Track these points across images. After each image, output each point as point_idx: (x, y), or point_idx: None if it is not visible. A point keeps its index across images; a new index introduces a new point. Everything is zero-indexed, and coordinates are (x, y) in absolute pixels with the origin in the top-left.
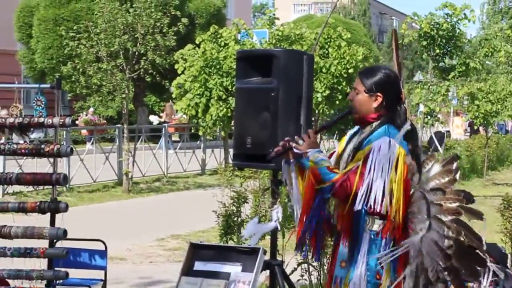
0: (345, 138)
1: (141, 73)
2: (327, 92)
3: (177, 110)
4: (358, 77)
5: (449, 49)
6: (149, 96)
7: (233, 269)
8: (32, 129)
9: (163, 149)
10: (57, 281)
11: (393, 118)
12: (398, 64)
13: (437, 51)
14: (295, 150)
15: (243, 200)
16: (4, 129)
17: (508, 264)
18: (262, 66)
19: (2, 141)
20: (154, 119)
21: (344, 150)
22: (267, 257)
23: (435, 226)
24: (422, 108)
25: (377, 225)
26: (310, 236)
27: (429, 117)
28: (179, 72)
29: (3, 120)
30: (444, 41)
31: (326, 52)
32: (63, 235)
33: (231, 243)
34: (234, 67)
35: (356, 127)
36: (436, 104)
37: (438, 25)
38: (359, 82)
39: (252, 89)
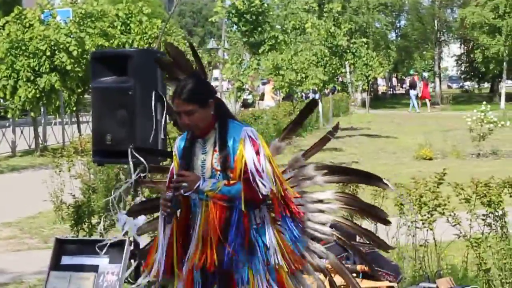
0: (176, 153)
1: None
2: None
3: None
4: (180, 101)
5: (258, 24)
6: None
7: (101, 261)
8: None
9: None
10: None
11: (225, 110)
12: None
13: (247, 27)
14: (187, 194)
15: (92, 190)
16: None
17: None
18: (117, 66)
19: None
20: None
21: (187, 162)
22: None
23: None
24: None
25: (258, 218)
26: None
27: (241, 91)
28: None
29: None
30: (254, 17)
31: (129, 28)
32: None
33: (82, 233)
34: (41, 47)
35: (183, 138)
36: (248, 78)
37: (249, 1)
38: (185, 104)
39: (108, 88)
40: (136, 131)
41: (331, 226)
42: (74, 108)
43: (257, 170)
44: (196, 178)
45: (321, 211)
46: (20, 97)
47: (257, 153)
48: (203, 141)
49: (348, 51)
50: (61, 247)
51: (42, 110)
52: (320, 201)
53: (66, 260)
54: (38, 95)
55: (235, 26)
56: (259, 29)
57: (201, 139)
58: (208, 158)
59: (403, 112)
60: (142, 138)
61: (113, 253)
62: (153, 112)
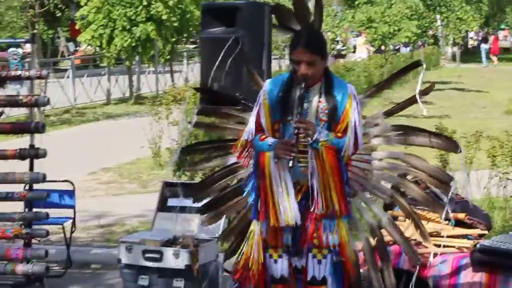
0: (267, 98)
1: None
2: None
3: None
4: (306, 50)
5: None
6: None
7: None
8: (8, 81)
9: (71, 81)
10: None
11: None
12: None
13: None
14: (311, 140)
15: (194, 136)
16: None
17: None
18: (226, 17)
19: None
20: None
21: (284, 109)
22: None
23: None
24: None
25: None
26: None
27: (335, 43)
28: (82, 4)
29: None
30: None
31: None
32: (43, 179)
33: (183, 178)
34: None
35: (277, 85)
36: (342, 30)
37: None
38: (311, 54)
39: (218, 38)
40: (243, 80)
41: (395, 187)
42: (168, 57)
43: (359, 127)
44: (315, 127)
45: (387, 169)
46: (116, 46)
47: (360, 111)
48: (303, 90)
49: (441, 4)
50: (168, 190)
51: (136, 59)
52: (388, 159)
53: (172, 202)
54: (133, 44)
55: None
56: None
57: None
58: (311, 107)
59: (492, 67)
60: (248, 86)
61: None
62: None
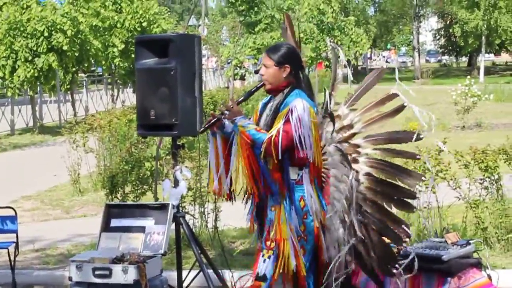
0: (259, 107)
1: None
2: (123, 46)
3: None
4: (265, 54)
5: (254, 4)
6: None
7: (147, 223)
8: None
9: None
10: None
11: (299, 83)
12: (295, 42)
13: (244, 6)
14: (225, 119)
15: (126, 162)
16: None
17: None
18: (158, 49)
19: None
20: None
21: (260, 117)
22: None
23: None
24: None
25: (296, 175)
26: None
27: (238, 68)
28: None
29: None
30: None
31: (120, 7)
32: None
33: (116, 201)
34: (39, 28)
35: (268, 97)
36: (245, 56)
37: None
38: (267, 57)
39: (151, 68)
40: (177, 106)
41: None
42: (69, 87)
43: (281, 135)
44: (238, 113)
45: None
46: (19, 76)
47: (287, 121)
48: (272, 101)
49: (335, 28)
50: (110, 211)
51: (38, 89)
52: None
53: (115, 222)
54: (36, 75)
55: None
56: (255, 8)
57: (273, 98)
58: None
59: (382, 87)
60: (182, 112)
61: (158, 215)
62: (191, 89)
